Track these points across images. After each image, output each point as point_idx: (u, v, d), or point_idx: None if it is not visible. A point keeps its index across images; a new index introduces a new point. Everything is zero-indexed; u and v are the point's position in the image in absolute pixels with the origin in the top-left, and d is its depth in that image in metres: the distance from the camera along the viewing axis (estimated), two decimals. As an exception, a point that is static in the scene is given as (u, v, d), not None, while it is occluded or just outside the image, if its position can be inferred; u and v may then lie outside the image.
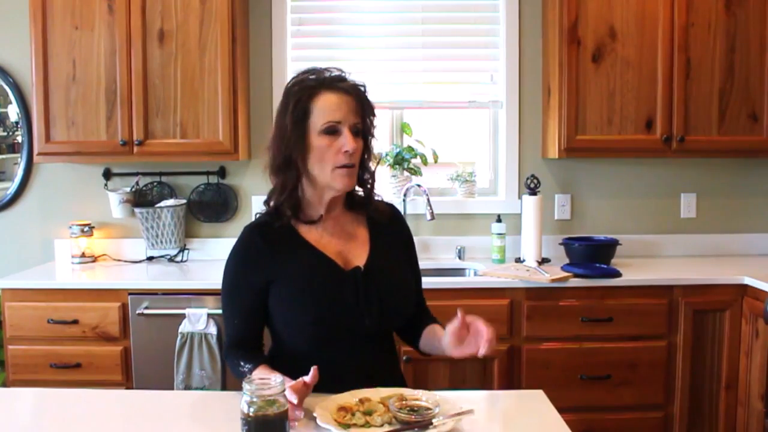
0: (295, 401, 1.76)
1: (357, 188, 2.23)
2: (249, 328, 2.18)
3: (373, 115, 2.17)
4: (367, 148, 2.16)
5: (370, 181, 2.23)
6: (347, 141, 2.04)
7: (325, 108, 2.06)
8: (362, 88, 2.14)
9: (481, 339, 1.95)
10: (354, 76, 2.16)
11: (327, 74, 2.11)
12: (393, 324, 2.25)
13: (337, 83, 2.09)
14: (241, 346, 2.16)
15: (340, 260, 2.15)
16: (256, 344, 2.20)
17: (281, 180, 2.13)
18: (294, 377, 1.87)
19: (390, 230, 2.29)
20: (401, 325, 2.31)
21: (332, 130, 2.05)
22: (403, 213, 3.99)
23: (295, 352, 2.13)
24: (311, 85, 2.08)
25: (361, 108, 2.10)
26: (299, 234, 2.17)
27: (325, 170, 2.08)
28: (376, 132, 2.20)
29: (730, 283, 3.68)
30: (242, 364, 2.07)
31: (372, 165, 2.24)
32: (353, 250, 2.19)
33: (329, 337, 2.10)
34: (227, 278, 2.19)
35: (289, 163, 2.10)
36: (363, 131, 2.12)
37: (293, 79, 2.15)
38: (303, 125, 2.07)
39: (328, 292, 2.09)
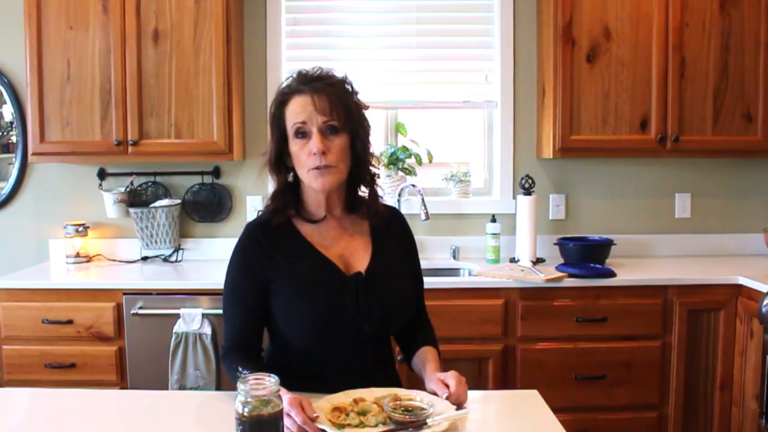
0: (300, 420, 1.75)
1: (363, 189, 2.23)
2: (249, 328, 2.15)
3: (358, 107, 2.15)
4: (356, 147, 2.14)
5: (369, 181, 2.22)
6: (314, 142, 2.04)
7: (292, 112, 2.08)
8: (337, 85, 2.11)
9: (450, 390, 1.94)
10: (341, 72, 2.16)
11: (303, 75, 2.12)
12: (392, 330, 2.24)
13: (305, 84, 2.08)
14: (240, 349, 2.14)
15: (342, 264, 2.15)
16: (255, 348, 2.18)
17: (275, 182, 2.19)
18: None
19: (392, 234, 2.28)
20: (400, 330, 2.30)
21: (301, 133, 2.07)
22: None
23: (293, 351, 2.12)
24: (285, 91, 2.12)
25: (337, 104, 2.07)
26: (301, 234, 2.17)
27: (303, 173, 2.10)
28: (368, 129, 2.18)
29: (724, 283, 3.68)
30: (240, 369, 2.05)
31: (371, 161, 2.21)
32: (355, 253, 2.19)
33: (328, 339, 2.09)
34: (229, 276, 2.18)
35: (277, 166, 2.16)
36: (347, 128, 2.10)
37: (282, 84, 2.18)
38: (282, 131, 2.11)
39: (329, 296, 2.09)
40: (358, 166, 2.17)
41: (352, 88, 2.15)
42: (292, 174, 2.17)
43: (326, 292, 2.09)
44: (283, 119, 2.11)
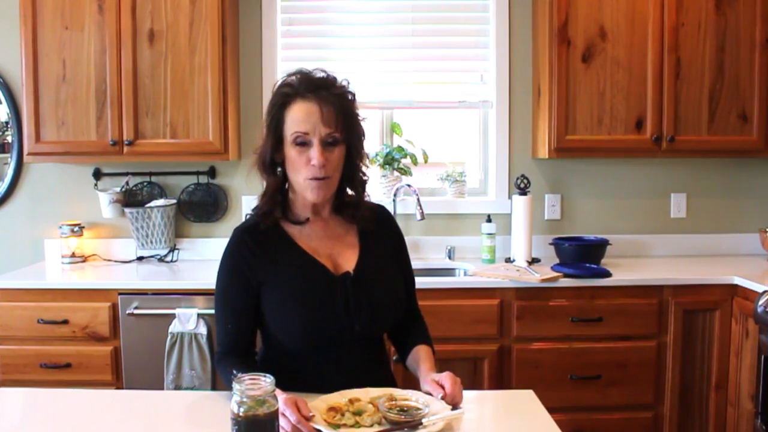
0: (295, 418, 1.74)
1: (349, 191, 2.23)
2: (241, 332, 2.15)
3: (358, 121, 2.15)
4: (351, 155, 2.14)
5: (360, 186, 2.22)
6: (315, 154, 2.02)
7: (295, 118, 2.05)
8: (344, 95, 2.10)
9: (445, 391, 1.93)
10: (342, 77, 2.14)
11: (308, 79, 2.09)
12: (383, 329, 2.24)
13: (311, 91, 2.06)
14: (233, 353, 2.14)
15: (330, 264, 2.15)
16: (248, 351, 2.18)
17: (265, 183, 2.18)
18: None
19: (379, 232, 2.28)
20: (391, 328, 2.30)
21: (301, 142, 2.04)
22: (393, 213, 4.01)
23: (285, 353, 2.12)
24: (287, 92, 2.08)
25: (341, 116, 2.06)
26: (289, 236, 2.17)
27: (298, 180, 2.09)
28: (363, 138, 2.18)
29: (720, 283, 3.69)
30: (235, 372, 2.05)
31: (362, 170, 2.21)
32: (343, 253, 2.19)
33: (319, 339, 2.09)
34: (220, 281, 2.18)
35: (270, 168, 2.14)
36: (346, 139, 2.09)
37: (280, 80, 2.15)
38: (278, 133, 2.09)
39: (319, 297, 2.09)
40: (351, 172, 2.18)
41: (353, 95, 2.15)
42: (279, 171, 2.16)
43: (316, 293, 2.09)
44: (283, 122, 2.08)
